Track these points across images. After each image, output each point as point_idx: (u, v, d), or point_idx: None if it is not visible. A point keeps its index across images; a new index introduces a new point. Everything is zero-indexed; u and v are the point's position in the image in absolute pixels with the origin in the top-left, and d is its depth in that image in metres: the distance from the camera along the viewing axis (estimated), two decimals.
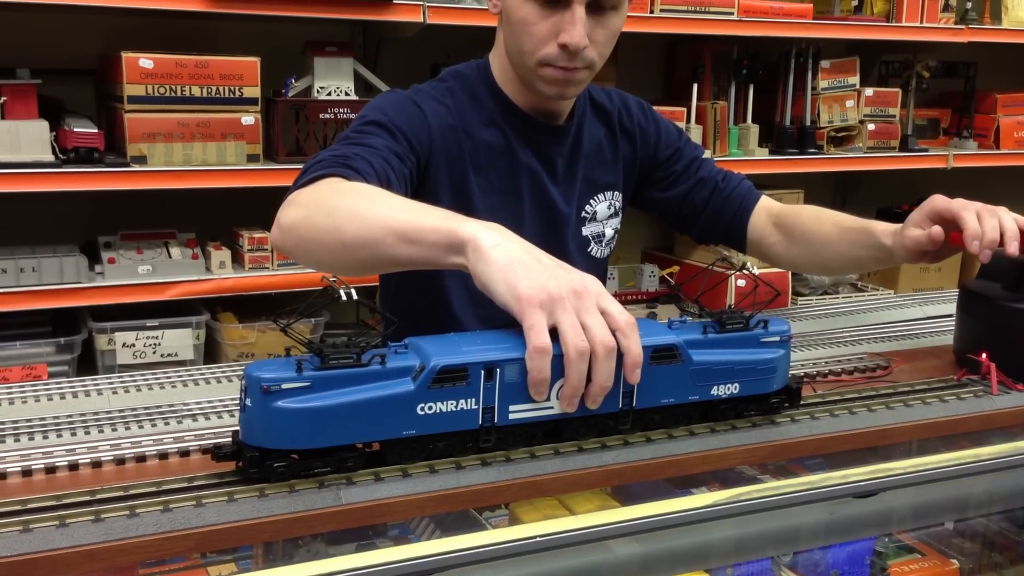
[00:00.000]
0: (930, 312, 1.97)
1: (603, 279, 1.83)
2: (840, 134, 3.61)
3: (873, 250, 1.62)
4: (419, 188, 1.56)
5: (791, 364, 1.25)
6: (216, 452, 1.00)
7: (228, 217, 2.82)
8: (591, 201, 1.75)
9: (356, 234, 1.22)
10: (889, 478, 1.20)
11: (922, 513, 1.37)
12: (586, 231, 1.76)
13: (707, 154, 1.94)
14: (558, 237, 1.70)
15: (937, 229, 1.48)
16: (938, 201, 1.51)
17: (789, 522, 1.20)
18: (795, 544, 1.24)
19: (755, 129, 3.41)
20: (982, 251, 1.42)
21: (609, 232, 1.79)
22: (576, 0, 1.46)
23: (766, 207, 1.82)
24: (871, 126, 3.61)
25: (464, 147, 1.60)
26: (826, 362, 1.54)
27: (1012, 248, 1.42)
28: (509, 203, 1.65)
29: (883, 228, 1.61)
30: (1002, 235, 1.43)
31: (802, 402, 1.27)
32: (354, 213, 1.24)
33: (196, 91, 2.58)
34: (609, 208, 1.78)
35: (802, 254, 1.76)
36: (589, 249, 1.77)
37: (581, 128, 1.72)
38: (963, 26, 3.64)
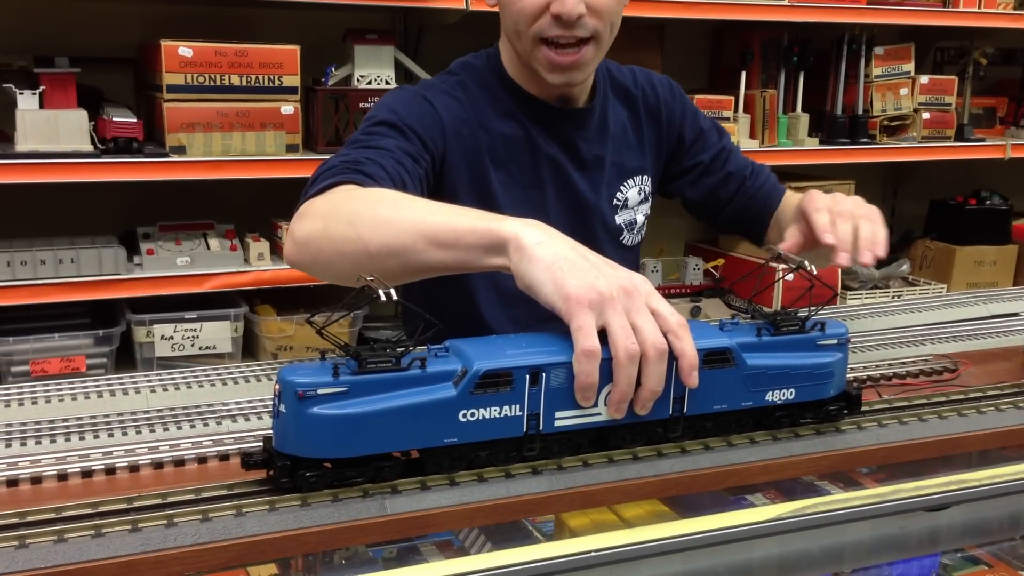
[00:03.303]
0: (995, 311, 1.89)
1: (635, 268, 1.78)
2: (893, 123, 3.50)
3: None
4: (436, 187, 1.51)
5: (851, 366, 1.18)
6: (246, 460, 0.95)
7: (266, 208, 2.79)
8: (621, 188, 1.69)
9: (383, 242, 1.17)
10: (963, 491, 1.14)
11: (992, 528, 1.29)
12: (619, 219, 1.70)
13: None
14: (586, 228, 1.64)
15: (792, 241, 1.42)
16: (804, 200, 1.44)
17: (856, 536, 1.14)
18: (864, 559, 1.18)
19: (805, 118, 3.31)
20: (837, 254, 1.34)
21: (640, 219, 1.74)
22: None
23: (783, 203, 1.75)
24: (926, 115, 3.50)
25: (481, 141, 1.55)
26: (890, 364, 1.47)
27: (863, 258, 1.34)
28: (532, 197, 1.60)
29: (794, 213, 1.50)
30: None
31: (867, 408, 1.21)
32: (378, 220, 1.19)
33: (235, 80, 2.55)
34: (640, 194, 1.72)
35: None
36: (621, 238, 1.71)
37: (605, 110, 1.65)
38: (1022, 11, 3.51)
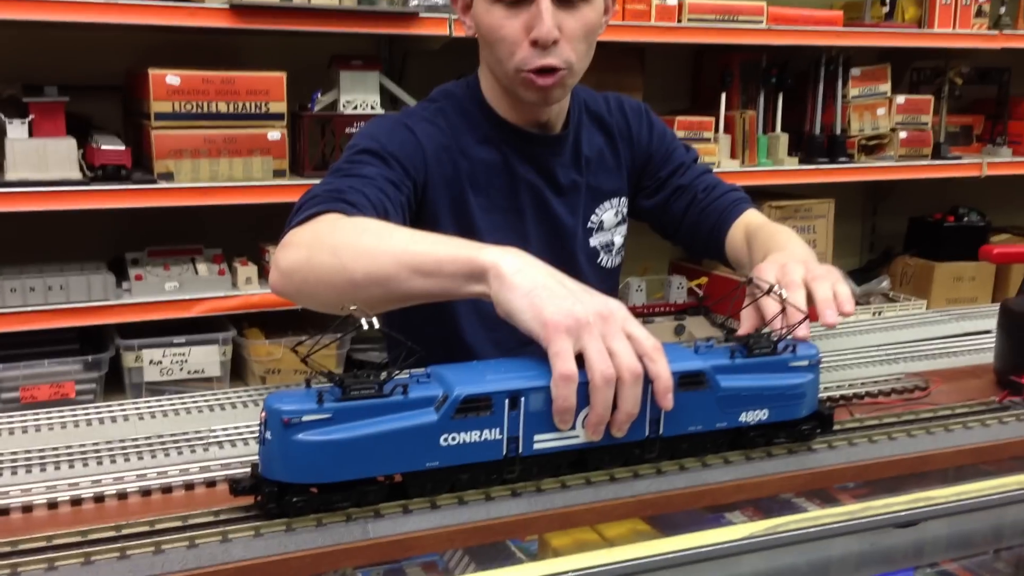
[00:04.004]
0: (968, 328, 1.92)
1: (615, 289, 1.80)
2: (871, 142, 3.56)
3: None
4: (418, 213, 1.54)
5: (824, 385, 1.21)
6: (234, 486, 0.98)
7: (254, 233, 2.82)
8: (596, 210, 1.72)
9: (367, 271, 1.20)
10: (932, 507, 1.17)
11: (965, 542, 1.32)
12: (594, 242, 1.72)
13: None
14: (565, 251, 1.67)
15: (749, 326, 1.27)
16: (756, 268, 1.35)
17: (829, 553, 1.17)
18: (838, 575, 1.21)
19: (784, 138, 3.37)
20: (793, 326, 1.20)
21: (619, 240, 1.76)
22: None
23: (745, 222, 1.70)
24: (903, 134, 3.56)
25: (460, 167, 1.58)
26: (862, 383, 1.49)
27: (825, 318, 1.26)
28: (511, 221, 1.63)
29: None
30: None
31: (839, 427, 1.24)
32: (361, 249, 1.22)
33: (222, 107, 2.58)
34: (616, 215, 1.74)
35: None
36: (599, 260, 1.74)
37: (579, 136, 1.68)
38: (996, 31, 3.58)
